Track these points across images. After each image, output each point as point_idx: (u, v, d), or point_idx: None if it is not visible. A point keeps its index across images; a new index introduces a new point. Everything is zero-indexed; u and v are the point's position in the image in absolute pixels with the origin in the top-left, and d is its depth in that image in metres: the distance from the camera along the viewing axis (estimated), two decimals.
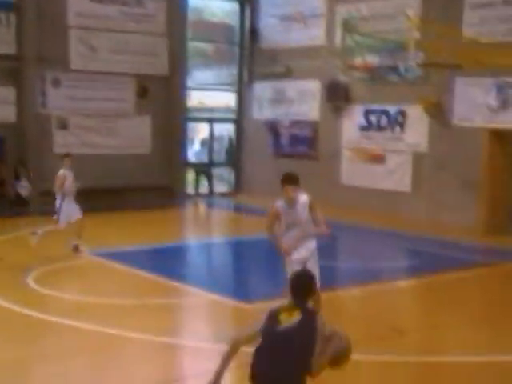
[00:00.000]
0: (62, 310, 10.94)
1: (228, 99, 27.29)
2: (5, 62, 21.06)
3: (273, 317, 5.85)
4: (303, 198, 9.63)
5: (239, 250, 17.24)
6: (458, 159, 19.70)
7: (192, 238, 19.44)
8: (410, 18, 14.98)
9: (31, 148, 21.35)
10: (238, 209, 24.48)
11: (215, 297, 11.79)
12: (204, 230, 20.86)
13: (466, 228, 18.66)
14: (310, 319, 5.82)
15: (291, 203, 9.55)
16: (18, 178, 20.86)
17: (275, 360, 5.69)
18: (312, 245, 9.80)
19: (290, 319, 5.80)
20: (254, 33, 25.87)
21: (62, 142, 22.16)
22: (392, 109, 21.37)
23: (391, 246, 17.32)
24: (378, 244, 17.39)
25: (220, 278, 13.82)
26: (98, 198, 21.27)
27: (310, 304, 6.18)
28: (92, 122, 22.90)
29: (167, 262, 14.88)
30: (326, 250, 16.33)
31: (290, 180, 9.63)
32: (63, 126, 22.35)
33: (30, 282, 12.46)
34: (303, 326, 5.76)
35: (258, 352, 5.81)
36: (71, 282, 13.38)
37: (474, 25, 19.26)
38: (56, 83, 22.13)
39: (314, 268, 9.41)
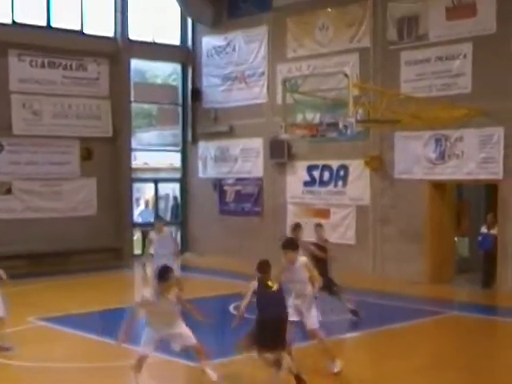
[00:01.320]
0: (10, 377, 10.79)
1: (172, 159, 27.47)
2: None
3: (261, 285, 9.94)
4: (301, 259, 10.81)
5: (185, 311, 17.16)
6: (401, 212, 20.13)
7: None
8: (349, 77, 15.33)
9: None
10: (184, 269, 24.38)
11: (165, 357, 11.73)
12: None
13: (411, 279, 18.97)
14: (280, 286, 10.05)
15: (291, 265, 10.68)
16: None
17: (277, 309, 9.83)
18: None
19: (274, 286, 9.94)
20: (197, 93, 26.20)
21: (5, 207, 22.05)
22: (334, 164, 21.84)
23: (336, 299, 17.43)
24: (323, 297, 17.49)
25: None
26: (45, 262, 21.20)
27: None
28: (37, 185, 22.88)
29: (116, 325, 14.75)
30: None
31: (290, 245, 10.76)
32: (7, 190, 22.25)
33: None
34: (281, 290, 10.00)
35: (262, 306, 9.83)
36: (19, 348, 13.17)
37: (411, 81, 19.96)
38: None
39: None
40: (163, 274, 10.05)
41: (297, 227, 15.16)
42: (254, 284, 10.04)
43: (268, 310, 9.78)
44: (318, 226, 16.05)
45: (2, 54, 22.13)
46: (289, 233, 16.00)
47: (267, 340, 9.71)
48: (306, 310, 10.83)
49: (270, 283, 9.95)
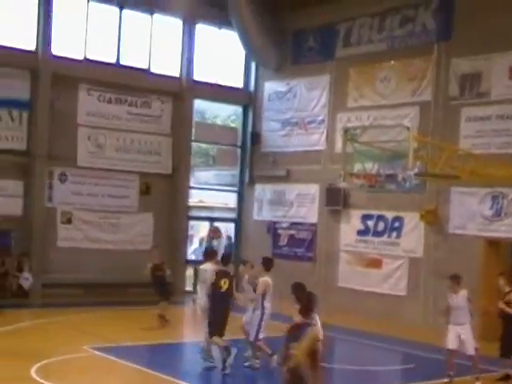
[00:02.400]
0: None
1: (228, 199, 27.85)
2: (15, 157, 21.84)
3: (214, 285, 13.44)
4: None
5: (239, 348, 17.33)
6: (454, 266, 19.93)
7: (190, 336, 19.54)
8: (409, 130, 15.55)
9: (36, 241, 21.74)
10: (234, 309, 24.57)
11: None
12: (200, 328, 20.94)
13: None
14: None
15: None
16: (20, 270, 21.16)
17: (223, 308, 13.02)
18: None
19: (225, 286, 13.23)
20: (256, 136, 26.64)
21: (65, 235, 22.64)
22: (389, 215, 21.97)
23: (386, 350, 17.49)
24: (374, 347, 17.57)
25: (218, 377, 13.95)
26: (100, 292, 21.62)
27: None
28: (96, 217, 23.43)
29: (168, 359, 15.01)
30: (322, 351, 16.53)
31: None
32: (68, 220, 22.85)
33: (33, 374, 12.62)
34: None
35: (213, 306, 13.33)
36: (73, 376, 13.47)
37: (470, 137, 20.07)
38: (63, 179, 22.76)
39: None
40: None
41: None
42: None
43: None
44: None
45: (73, 88, 22.91)
46: None
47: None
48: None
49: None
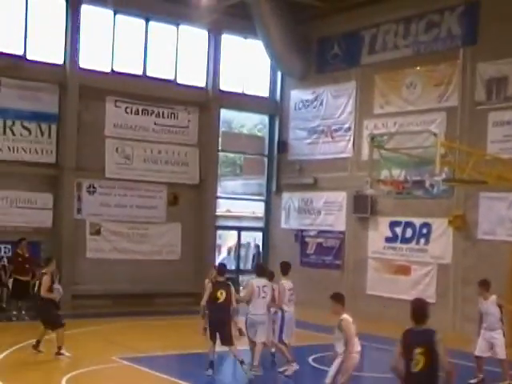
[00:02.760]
0: None
1: (255, 208, 27.91)
2: (45, 170, 22.13)
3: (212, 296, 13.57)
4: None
5: (268, 361, 17.32)
6: (483, 272, 19.76)
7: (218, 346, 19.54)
8: (436, 135, 15.50)
9: (65, 252, 21.95)
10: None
11: None
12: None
13: None
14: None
15: None
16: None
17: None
18: None
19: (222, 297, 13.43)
20: (283, 145, 26.68)
21: (94, 247, 22.83)
22: (417, 221, 21.87)
23: None
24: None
25: None
26: (129, 303, 21.75)
27: None
28: (124, 228, 23.62)
29: (195, 369, 15.04)
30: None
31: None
32: (96, 231, 23.04)
33: None
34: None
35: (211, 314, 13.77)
36: None
37: (498, 141, 19.93)
38: (91, 190, 22.97)
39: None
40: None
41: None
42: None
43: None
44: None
45: (100, 100, 23.17)
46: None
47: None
48: None
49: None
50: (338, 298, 11.62)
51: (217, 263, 17.01)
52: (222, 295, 13.71)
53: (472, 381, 14.11)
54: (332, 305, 11.48)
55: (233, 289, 14.00)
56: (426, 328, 8.50)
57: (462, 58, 21.02)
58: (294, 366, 14.62)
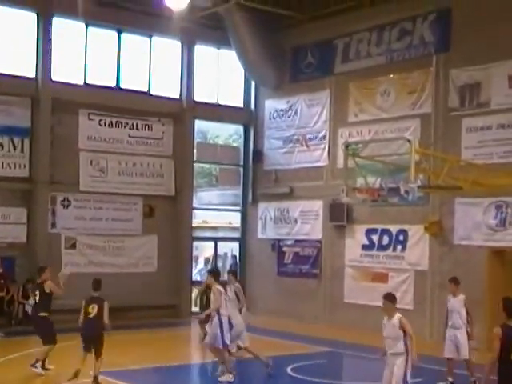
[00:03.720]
0: None
1: (232, 218, 27.83)
2: (18, 184, 21.95)
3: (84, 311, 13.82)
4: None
5: (243, 371, 17.24)
6: (460, 278, 19.82)
7: (197, 358, 19.45)
8: (410, 142, 15.51)
9: None
10: None
11: None
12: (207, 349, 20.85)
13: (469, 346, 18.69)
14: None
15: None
16: (26, 297, 21.10)
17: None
18: None
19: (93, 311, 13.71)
20: (258, 154, 26.65)
21: (70, 261, 22.62)
22: (393, 228, 21.90)
23: None
24: (382, 362, 17.39)
25: None
26: None
27: None
28: (100, 241, 23.44)
29: (172, 381, 14.95)
30: (328, 368, 16.45)
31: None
32: (72, 245, 22.86)
33: None
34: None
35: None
36: None
37: (472, 147, 20.04)
38: (66, 204, 22.81)
39: None
40: None
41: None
42: None
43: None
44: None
45: (73, 113, 23.03)
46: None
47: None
48: None
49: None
50: (390, 298, 11.69)
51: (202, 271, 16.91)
52: (93, 310, 13.84)
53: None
54: (385, 305, 11.57)
55: (105, 304, 13.92)
56: None
57: (435, 64, 21.14)
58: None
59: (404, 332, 11.41)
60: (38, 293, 15.24)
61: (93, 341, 13.85)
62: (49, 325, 15.11)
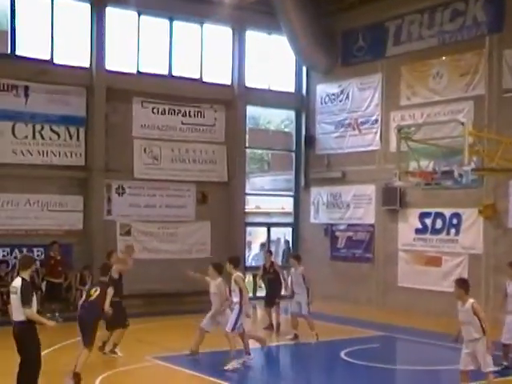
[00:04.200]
0: None
1: (285, 203, 27.91)
2: (74, 172, 22.35)
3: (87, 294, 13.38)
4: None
5: (299, 355, 17.33)
6: None
7: (251, 343, 19.57)
8: (464, 125, 15.38)
9: (96, 254, 22.05)
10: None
11: None
12: (263, 334, 20.99)
13: None
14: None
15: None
16: (83, 283, 21.49)
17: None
18: None
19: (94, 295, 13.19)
20: (310, 139, 26.63)
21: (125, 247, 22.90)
22: (447, 212, 21.74)
23: (448, 349, 17.23)
24: (436, 346, 17.37)
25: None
26: (160, 302, 21.86)
27: None
28: (154, 227, 23.75)
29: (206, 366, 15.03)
30: (382, 352, 16.46)
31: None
32: (127, 232, 23.20)
33: None
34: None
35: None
36: None
37: None
38: (120, 191, 23.13)
39: None
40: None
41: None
42: None
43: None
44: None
45: (127, 101, 23.31)
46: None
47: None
48: None
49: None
50: (459, 284, 11.76)
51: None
52: (94, 293, 13.30)
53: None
54: (455, 290, 11.67)
55: (110, 290, 13.48)
56: None
57: (488, 45, 20.86)
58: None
59: (478, 317, 11.41)
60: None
61: (82, 325, 13.15)
62: (120, 309, 15.07)
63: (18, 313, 10.76)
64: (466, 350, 11.62)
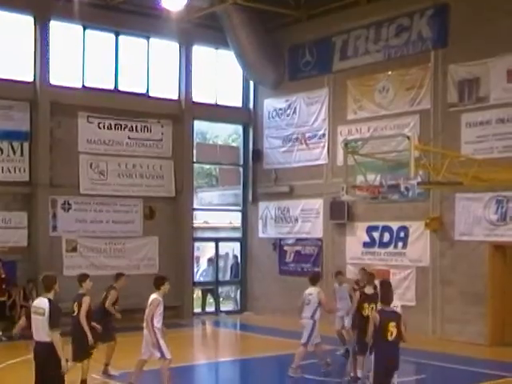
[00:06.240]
0: None
1: (233, 218, 27.83)
2: (18, 188, 21.96)
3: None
4: None
5: (246, 371, 17.24)
6: (462, 273, 20.02)
7: (200, 359, 19.43)
8: (410, 139, 15.51)
9: (42, 271, 21.51)
10: (244, 328, 24.55)
11: None
12: (212, 350, 20.86)
13: (471, 341, 18.75)
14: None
15: None
16: (27, 299, 21.06)
17: None
18: None
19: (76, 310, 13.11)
20: (258, 154, 26.63)
21: (71, 264, 22.62)
22: (394, 225, 21.88)
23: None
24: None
25: None
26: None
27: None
28: (101, 243, 23.43)
29: (180, 382, 14.90)
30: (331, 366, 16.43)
31: None
32: (73, 248, 22.85)
33: None
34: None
35: None
36: None
37: (472, 142, 20.02)
38: (66, 207, 22.80)
39: None
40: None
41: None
42: None
43: None
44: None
45: (72, 116, 23.02)
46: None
47: None
48: None
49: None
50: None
51: None
52: (76, 308, 13.68)
53: None
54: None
55: (84, 299, 13.70)
56: None
57: (434, 60, 21.12)
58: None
59: None
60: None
61: (72, 340, 13.53)
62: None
63: (42, 333, 10.27)
64: None
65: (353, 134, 22.93)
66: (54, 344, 10.22)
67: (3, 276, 20.36)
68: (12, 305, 21.06)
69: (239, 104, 27.21)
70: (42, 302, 10.40)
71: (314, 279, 16.00)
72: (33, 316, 10.46)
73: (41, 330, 10.29)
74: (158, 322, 13.55)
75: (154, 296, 13.76)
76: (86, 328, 13.56)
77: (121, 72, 24.28)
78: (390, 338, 10.75)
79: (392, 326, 10.78)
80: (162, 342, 13.45)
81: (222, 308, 26.86)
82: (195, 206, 26.32)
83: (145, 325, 13.67)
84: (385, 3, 22.32)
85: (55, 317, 10.29)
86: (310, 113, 24.87)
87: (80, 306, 13.62)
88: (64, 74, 23.15)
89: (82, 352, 13.53)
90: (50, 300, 10.38)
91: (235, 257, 27.70)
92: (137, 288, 23.19)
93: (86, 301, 13.67)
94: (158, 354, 13.42)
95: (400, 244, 21.81)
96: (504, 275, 19.59)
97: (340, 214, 23.21)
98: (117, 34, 24.15)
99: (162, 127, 25.01)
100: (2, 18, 22.01)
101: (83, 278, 14.41)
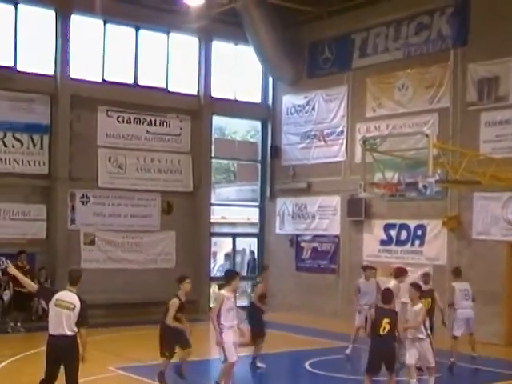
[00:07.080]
0: None
1: (250, 214, 27.87)
2: (37, 181, 22.13)
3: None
4: None
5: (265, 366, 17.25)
6: (478, 272, 19.91)
7: (217, 353, 19.42)
8: (428, 137, 15.48)
9: (60, 263, 21.87)
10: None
11: None
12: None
13: (487, 341, 18.68)
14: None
15: None
16: None
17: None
18: None
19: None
20: (276, 150, 26.65)
21: (89, 257, 22.77)
22: (411, 223, 21.85)
23: None
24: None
25: None
26: (124, 312, 21.68)
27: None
28: (118, 237, 23.56)
29: (193, 377, 14.96)
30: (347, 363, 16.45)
31: None
32: (91, 241, 22.99)
33: None
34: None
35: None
36: None
37: (490, 141, 19.93)
38: (84, 200, 22.92)
39: None
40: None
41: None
42: None
43: None
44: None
45: (92, 110, 23.15)
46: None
47: None
48: None
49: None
50: (418, 288, 13.86)
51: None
52: None
53: None
54: (413, 292, 13.71)
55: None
56: None
57: (453, 59, 21.05)
58: None
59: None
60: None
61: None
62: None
63: (67, 327, 10.32)
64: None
65: (371, 131, 22.92)
66: (83, 339, 10.31)
67: (28, 267, 20.50)
68: (30, 296, 21.21)
69: (258, 100, 27.24)
70: (71, 297, 10.43)
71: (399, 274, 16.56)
72: (57, 309, 10.40)
73: (65, 324, 10.32)
74: (225, 320, 12.97)
75: (220, 292, 13.42)
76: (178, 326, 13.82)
77: (140, 66, 24.38)
78: (381, 333, 11.81)
79: (386, 323, 11.84)
80: (226, 342, 12.91)
81: (238, 303, 26.83)
82: (213, 202, 26.39)
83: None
84: (405, 1, 22.28)
85: (86, 314, 10.41)
86: (329, 110, 24.87)
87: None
88: (84, 67, 23.31)
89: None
90: (79, 296, 10.44)
91: (252, 252, 27.76)
92: (153, 282, 23.42)
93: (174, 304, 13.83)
94: (221, 356, 13.03)
95: (417, 242, 21.78)
96: None
97: (357, 212, 23.21)
98: (137, 29, 24.25)
99: (181, 122, 25.08)
100: (24, 11, 22.16)
101: (182, 279, 14.48)
